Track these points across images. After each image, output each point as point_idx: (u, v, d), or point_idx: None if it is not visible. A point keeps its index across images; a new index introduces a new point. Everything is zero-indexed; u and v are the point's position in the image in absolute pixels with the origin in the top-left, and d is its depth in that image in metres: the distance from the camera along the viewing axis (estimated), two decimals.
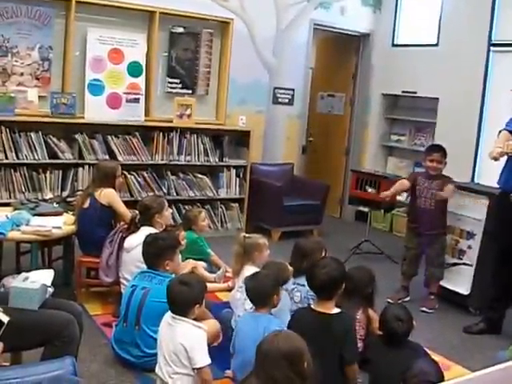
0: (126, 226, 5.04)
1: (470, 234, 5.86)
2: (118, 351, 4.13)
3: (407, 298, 5.96)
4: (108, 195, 5.20)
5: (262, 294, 3.79)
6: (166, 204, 5.18)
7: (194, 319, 3.57)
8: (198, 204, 7.39)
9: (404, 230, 6.61)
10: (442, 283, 5.96)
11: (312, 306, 3.66)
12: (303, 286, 4.26)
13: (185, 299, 3.51)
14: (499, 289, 5.28)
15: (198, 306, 3.54)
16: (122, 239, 4.91)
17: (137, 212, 5.10)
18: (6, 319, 2.74)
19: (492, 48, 7.49)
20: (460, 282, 5.88)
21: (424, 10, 8.52)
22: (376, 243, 7.48)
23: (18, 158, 6.30)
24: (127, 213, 5.18)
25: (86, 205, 5.19)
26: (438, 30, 8.18)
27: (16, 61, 6.52)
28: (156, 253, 4.24)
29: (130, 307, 4.11)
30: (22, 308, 3.11)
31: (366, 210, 8.03)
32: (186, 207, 7.22)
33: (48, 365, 2.58)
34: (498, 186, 5.30)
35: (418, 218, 5.96)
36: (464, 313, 5.77)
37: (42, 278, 3.33)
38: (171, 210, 5.40)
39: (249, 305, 4.22)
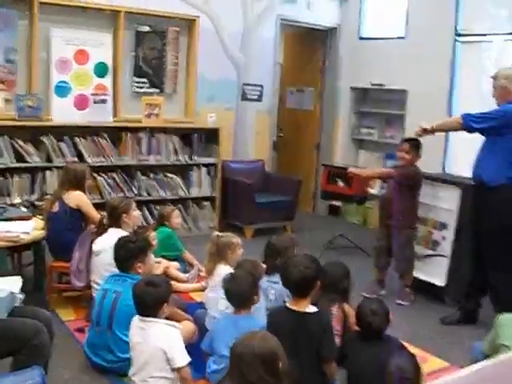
0: (95, 228, 4.98)
1: (444, 224, 5.86)
2: (91, 356, 4.07)
3: (383, 292, 5.96)
4: (77, 198, 5.14)
5: (242, 295, 3.75)
6: (134, 204, 5.12)
7: (167, 319, 3.53)
8: (170, 204, 7.31)
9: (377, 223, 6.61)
10: (417, 275, 5.95)
11: (287, 305, 3.61)
12: (277, 283, 4.23)
13: (152, 299, 3.47)
14: (475, 278, 5.29)
15: (166, 304, 3.49)
16: (92, 242, 4.84)
17: (104, 214, 5.03)
18: None
19: (458, 38, 7.54)
20: (435, 273, 5.89)
21: (390, 3, 8.53)
22: (350, 237, 7.49)
23: None
24: (97, 215, 5.12)
25: (55, 208, 5.12)
26: (405, 23, 8.19)
27: None
28: (127, 256, 4.19)
29: (101, 311, 4.05)
30: None
31: (338, 203, 8.04)
32: (158, 207, 7.14)
33: (15, 376, 2.52)
34: (470, 176, 5.31)
35: (383, 208, 6.03)
36: (440, 304, 5.77)
37: (9, 286, 3.25)
38: (140, 212, 5.31)
39: (223, 305, 4.19)
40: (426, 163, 5.99)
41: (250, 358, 2.47)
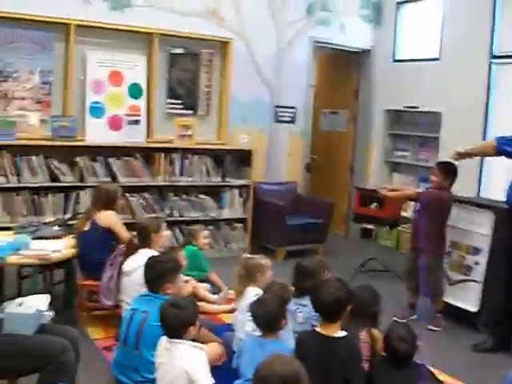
0: (125, 248, 5.00)
1: (477, 249, 5.75)
2: (117, 375, 4.06)
3: (414, 316, 5.87)
4: (108, 217, 5.18)
5: (270, 319, 3.70)
6: (164, 224, 5.13)
7: (194, 341, 3.51)
8: (202, 225, 7.31)
9: None
10: (448, 300, 5.85)
11: (317, 329, 3.57)
12: (305, 306, 4.20)
13: (178, 322, 3.44)
14: (509, 304, 5.18)
15: (192, 327, 3.47)
16: (122, 262, 4.86)
17: (134, 234, 5.05)
18: None
19: (493, 60, 7.46)
20: (468, 299, 5.77)
21: (424, 25, 8.50)
22: (382, 261, 7.41)
23: (19, 181, 6.29)
24: (127, 235, 5.14)
25: (87, 227, 5.17)
26: (439, 44, 8.14)
27: (17, 85, 6.52)
28: (156, 276, 4.14)
29: (129, 331, 4.04)
30: (16, 333, 3.07)
31: (370, 227, 7.97)
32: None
33: None
34: (505, 200, 5.24)
35: (412, 231, 6.08)
36: (473, 330, 5.64)
37: (37, 303, 3.28)
38: (170, 232, 5.32)
39: (250, 326, 4.16)
40: (461, 187, 5.92)
41: (272, 380, 2.44)
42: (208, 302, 5.51)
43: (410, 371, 3.48)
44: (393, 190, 6.52)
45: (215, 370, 3.64)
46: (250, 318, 3.90)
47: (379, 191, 6.48)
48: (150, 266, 4.19)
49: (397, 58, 8.89)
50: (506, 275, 5.22)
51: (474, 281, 5.76)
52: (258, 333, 3.84)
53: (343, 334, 3.51)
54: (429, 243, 5.68)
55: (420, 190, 6.10)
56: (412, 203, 7.43)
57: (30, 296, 3.48)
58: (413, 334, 3.60)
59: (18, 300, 3.33)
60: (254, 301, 3.92)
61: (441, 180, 5.68)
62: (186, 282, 5.34)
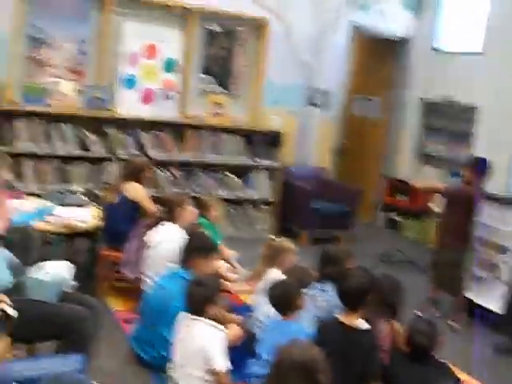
0: (150, 221, 5.00)
1: (505, 248, 5.66)
2: (135, 349, 4.08)
3: (435, 311, 5.81)
4: (135, 190, 5.18)
5: (286, 300, 3.73)
6: (189, 200, 5.11)
7: (215, 320, 3.50)
8: (227, 204, 7.32)
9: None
10: (472, 298, 5.78)
11: (339, 318, 3.54)
12: (327, 292, 4.17)
13: (197, 299, 3.44)
14: None
15: (211, 305, 3.45)
16: (144, 234, 4.86)
17: (160, 208, 5.04)
18: (15, 314, 2.71)
19: None
20: (491, 298, 5.68)
21: (468, 16, 8.34)
22: (407, 252, 7.34)
23: (49, 149, 6.31)
24: (153, 208, 5.14)
25: (113, 199, 5.17)
26: (484, 37, 7.96)
27: (51, 52, 6.53)
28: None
29: (149, 307, 4.05)
30: (38, 299, 3.08)
31: (398, 218, 7.91)
32: None
33: (56, 360, 2.53)
34: None
35: (438, 226, 6.08)
36: (494, 330, 5.56)
37: (61, 271, 3.28)
38: (194, 208, 5.26)
39: (269, 308, 4.14)
40: (492, 183, 5.83)
41: (289, 365, 2.42)
42: (228, 281, 5.50)
43: (431, 367, 3.45)
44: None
45: (232, 350, 3.63)
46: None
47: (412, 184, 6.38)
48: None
49: (436, 47, 8.73)
50: None
51: (500, 280, 5.68)
52: (277, 315, 3.84)
53: (366, 326, 3.49)
54: (453, 238, 5.62)
55: (447, 185, 6.02)
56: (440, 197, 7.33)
57: (54, 262, 3.49)
58: (435, 329, 3.58)
59: (41, 265, 3.33)
60: (271, 284, 3.92)
61: (471, 175, 5.61)
62: None
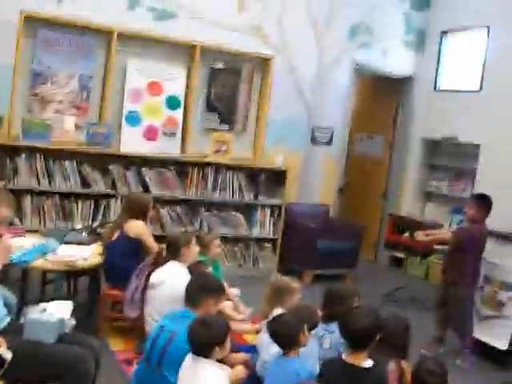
0: (153, 259, 4.93)
1: (511, 285, 5.60)
2: None
3: (441, 350, 5.72)
4: (137, 227, 5.12)
5: (287, 336, 3.63)
6: (194, 238, 5.04)
7: (220, 362, 3.41)
8: (231, 242, 7.28)
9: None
10: (478, 336, 5.71)
11: (343, 357, 3.44)
12: (333, 332, 4.08)
13: (204, 340, 3.33)
14: None
15: (219, 348, 3.36)
16: (149, 274, 4.78)
17: (164, 246, 4.97)
18: (9, 356, 2.64)
19: None
20: (498, 336, 5.63)
21: (468, 55, 8.39)
22: (411, 290, 7.25)
23: (50, 185, 6.27)
24: (156, 246, 5.07)
25: (115, 236, 5.12)
26: (481, 76, 8.02)
27: (55, 89, 6.52)
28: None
29: (153, 348, 3.94)
30: (36, 341, 2.99)
31: (401, 255, 7.84)
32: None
33: None
34: None
35: (443, 264, 6.02)
36: (501, 368, 5.51)
37: (60, 311, 3.20)
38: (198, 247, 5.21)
39: (275, 348, 4.05)
40: (497, 221, 5.77)
41: None
42: (233, 320, 5.39)
43: None
44: (427, 234, 6.33)
45: None
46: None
47: (415, 236, 6.30)
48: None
49: (438, 87, 8.76)
50: None
51: (506, 317, 5.60)
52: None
53: (370, 363, 3.38)
54: (463, 277, 5.54)
55: (453, 230, 5.94)
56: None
57: (53, 302, 3.41)
58: (443, 368, 3.47)
59: (41, 306, 3.26)
60: (271, 319, 3.86)
61: (476, 212, 5.58)
62: None
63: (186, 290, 4.15)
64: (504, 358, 5.55)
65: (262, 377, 4.05)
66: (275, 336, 3.69)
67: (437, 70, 8.80)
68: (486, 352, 5.71)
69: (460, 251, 5.55)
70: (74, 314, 3.52)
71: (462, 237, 5.62)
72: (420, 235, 6.26)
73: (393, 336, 3.89)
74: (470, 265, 5.59)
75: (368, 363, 3.38)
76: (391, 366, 3.77)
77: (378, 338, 3.50)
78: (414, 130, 9.07)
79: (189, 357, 3.41)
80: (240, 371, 3.95)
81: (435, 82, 8.81)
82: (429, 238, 6.23)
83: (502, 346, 5.56)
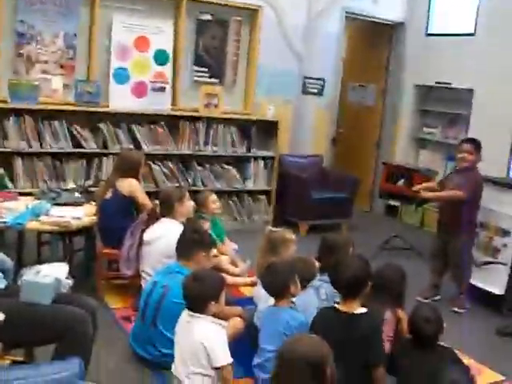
0: (147, 217, 4.91)
1: (506, 231, 5.62)
2: (135, 348, 4.01)
3: (437, 297, 5.77)
4: (130, 185, 5.08)
5: (277, 283, 3.67)
6: (187, 194, 5.02)
7: (215, 316, 3.42)
8: (225, 196, 7.25)
9: (435, 226, 6.37)
10: (474, 282, 5.75)
11: (336, 306, 3.48)
12: (328, 282, 4.09)
13: (199, 296, 3.35)
14: None
15: (213, 302, 3.37)
16: (143, 231, 4.78)
17: (157, 202, 4.95)
18: (1, 317, 2.65)
19: None
20: (493, 281, 5.68)
21: None
22: (406, 239, 7.27)
23: (41, 146, 6.20)
24: (149, 203, 5.05)
25: (108, 195, 5.09)
26: (475, 19, 7.91)
27: (40, 48, 6.40)
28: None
29: (148, 304, 3.97)
30: (33, 302, 2.99)
31: (396, 204, 7.85)
32: None
33: (53, 365, 2.45)
34: None
35: (440, 213, 5.91)
36: (497, 314, 5.57)
37: (55, 272, 3.20)
38: (193, 202, 5.19)
39: (273, 301, 4.07)
40: (490, 167, 5.75)
41: (297, 362, 2.34)
42: (230, 274, 5.42)
43: (437, 354, 3.40)
44: (430, 189, 6.06)
45: (236, 344, 3.60)
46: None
47: (419, 193, 6.04)
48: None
49: (430, 32, 8.65)
50: None
51: (501, 263, 5.64)
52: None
53: (363, 310, 3.41)
54: (462, 226, 5.53)
55: (464, 188, 5.51)
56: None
57: (48, 264, 3.41)
58: (439, 316, 3.53)
59: (36, 268, 3.25)
60: (263, 268, 3.90)
61: (475, 158, 5.51)
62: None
63: (177, 243, 4.17)
64: (499, 303, 5.59)
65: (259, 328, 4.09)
66: (266, 284, 3.73)
67: (428, 14, 8.68)
68: (481, 297, 5.75)
69: (460, 201, 5.53)
70: (70, 274, 3.52)
71: (475, 191, 5.51)
72: (423, 192, 6.00)
73: (388, 285, 3.92)
74: (468, 214, 5.58)
75: (360, 310, 3.41)
76: (387, 314, 3.80)
77: (369, 286, 3.53)
78: (407, 76, 9.00)
79: (184, 313, 3.43)
80: (237, 323, 4.00)
81: (427, 27, 8.70)
82: (433, 194, 5.94)
83: (498, 291, 5.60)
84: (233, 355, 3.35)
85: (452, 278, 5.77)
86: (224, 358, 3.27)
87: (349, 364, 3.03)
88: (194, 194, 6.33)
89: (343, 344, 3.06)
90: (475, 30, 7.91)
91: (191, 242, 4.15)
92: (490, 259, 5.74)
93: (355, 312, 3.38)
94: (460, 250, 5.60)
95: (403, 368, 3.46)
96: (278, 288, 3.67)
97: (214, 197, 5.62)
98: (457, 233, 5.57)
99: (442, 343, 3.51)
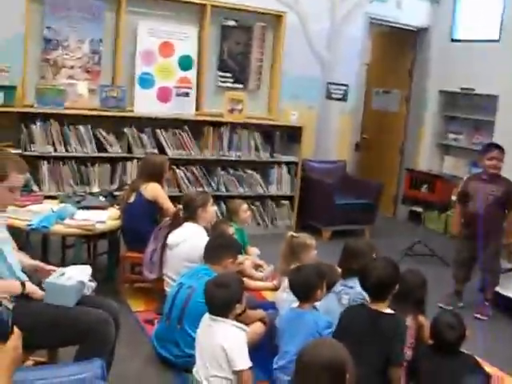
0: (170, 221, 4.95)
1: None
2: (158, 349, 4.06)
3: (460, 304, 5.72)
4: (154, 190, 5.12)
5: (305, 286, 3.72)
6: (211, 199, 5.04)
7: (238, 320, 3.45)
8: (248, 201, 7.26)
9: None
10: (497, 289, 5.69)
11: (365, 303, 3.55)
12: (352, 288, 4.09)
13: (222, 301, 3.38)
14: None
15: (238, 304, 3.41)
16: (166, 235, 4.81)
17: (180, 207, 4.98)
18: (10, 306, 2.69)
19: None
20: None
21: (485, 4, 8.22)
22: (429, 245, 7.24)
23: (66, 150, 6.28)
24: (172, 208, 5.08)
25: (132, 199, 5.13)
26: (499, 25, 7.87)
27: (66, 54, 6.50)
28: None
29: (174, 305, 4.02)
30: (57, 304, 3.03)
31: (419, 210, 7.82)
32: None
33: (75, 367, 2.48)
34: None
35: (470, 222, 5.69)
36: None
37: (79, 274, 3.23)
38: (216, 207, 5.23)
39: (295, 304, 4.09)
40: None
41: (317, 368, 2.35)
42: (253, 279, 5.44)
43: (458, 360, 3.39)
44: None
45: (257, 348, 3.62)
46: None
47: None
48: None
49: (454, 38, 8.61)
50: None
51: None
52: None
53: (391, 311, 3.45)
54: (495, 229, 5.52)
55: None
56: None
57: (72, 266, 3.45)
58: (461, 322, 3.51)
59: (60, 270, 3.29)
60: (292, 269, 3.96)
61: (501, 165, 5.48)
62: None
63: (206, 247, 4.22)
64: None
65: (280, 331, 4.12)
66: (294, 286, 3.78)
67: (453, 19, 8.64)
68: (504, 305, 5.70)
69: (501, 205, 5.50)
70: (94, 277, 3.56)
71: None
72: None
73: (409, 291, 3.91)
74: (503, 219, 5.59)
75: (388, 310, 3.45)
76: (408, 321, 3.79)
77: (396, 288, 3.54)
78: (431, 82, 8.96)
79: (206, 316, 3.45)
80: (258, 328, 4.03)
81: (451, 33, 8.67)
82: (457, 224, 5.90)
83: None
84: (253, 359, 3.36)
85: (484, 283, 5.68)
86: (243, 361, 3.29)
87: (367, 360, 3.10)
88: (226, 203, 6.43)
89: (366, 338, 3.16)
90: (500, 35, 7.86)
91: (220, 248, 4.20)
92: None
93: (383, 311, 3.43)
94: (497, 256, 5.59)
95: (424, 374, 3.45)
96: (306, 291, 3.73)
97: (245, 206, 5.72)
98: (495, 238, 5.53)
99: (464, 350, 3.49)
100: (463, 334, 3.47)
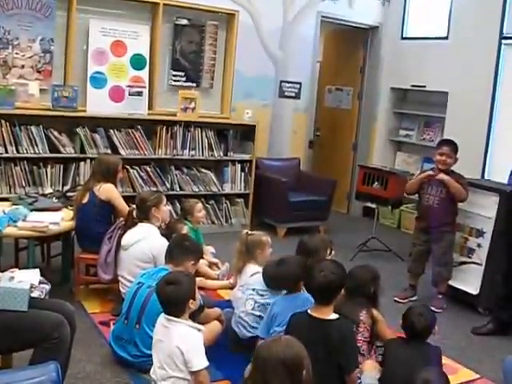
0: (124, 221, 4.92)
1: (480, 232, 5.69)
2: (115, 349, 4.02)
3: (414, 297, 5.83)
4: (107, 190, 5.08)
5: (291, 278, 3.84)
6: (164, 199, 5.03)
7: (193, 320, 3.45)
8: (203, 199, 7.26)
9: (412, 227, 6.43)
10: (450, 282, 5.81)
11: (309, 311, 3.44)
12: None
13: (178, 299, 3.36)
14: (510, 288, 5.14)
15: (191, 301, 3.39)
16: (121, 236, 4.79)
17: (134, 207, 4.96)
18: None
19: (503, 41, 7.32)
20: (469, 281, 5.75)
21: (434, 2, 8.36)
22: (383, 240, 7.34)
23: (18, 151, 6.17)
24: (126, 208, 5.05)
25: (85, 200, 5.08)
26: (448, 23, 8.02)
27: (17, 53, 6.39)
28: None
29: (133, 305, 3.98)
30: (8, 309, 2.99)
31: (373, 206, 7.92)
32: None
33: (30, 371, 2.46)
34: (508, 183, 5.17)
35: (424, 215, 5.84)
36: (473, 313, 5.63)
37: (28, 278, 3.19)
38: (170, 207, 5.22)
39: (250, 305, 4.14)
40: (465, 168, 5.82)
41: (274, 363, 2.37)
42: (208, 277, 5.46)
43: (422, 348, 3.58)
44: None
45: (211, 347, 3.61)
46: (251, 296, 3.89)
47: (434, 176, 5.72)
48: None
49: (405, 36, 8.74)
50: (506, 259, 5.18)
51: (476, 263, 5.72)
52: (257, 312, 3.85)
53: (336, 316, 3.41)
54: (448, 223, 5.66)
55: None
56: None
57: (20, 270, 3.41)
58: (432, 313, 3.78)
59: (8, 274, 3.24)
60: (272, 261, 4.08)
61: (453, 161, 5.58)
62: None
63: (169, 248, 4.20)
64: (475, 303, 5.66)
65: (238, 331, 4.15)
66: (278, 278, 3.93)
67: (403, 18, 8.76)
68: (457, 297, 5.82)
69: (452, 200, 5.60)
70: (48, 279, 3.53)
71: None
72: (441, 174, 5.64)
73: (361, 285, 3.98)
74: (455, 214, 5.71)
75: (333, 316, 3.41)
76: (362, 315, 3.85)
77: (342, 291, 3.59)
78: (383, 80, 9.08)
79: (162, 317, 3.43)
80: (215, 326, 4.05)
81: (402, 31, 8.79)
82: (449, 178, 5.62)
83: (473, 290, 5.67)
84: (210, 358, 3.36)
85: (437, 277, 5.78)
86: (200, 362, 3.28)
87: (321, 369, 3.06)
88: (181, 202, 6.41)
89: (316, 349, 3.04)
90: (448, 33, 8.00)
91: (183, 249, 4.17)
92: (465, 259, 5.81)
93: (327, 318, 3.38)
94: (449, 250, 5.70)
95: (388, 359, 3.61)
96: (292, 282, 3.84)
97: (199, 206, 5.84)
98: (447, 232, 5.65)
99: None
100: (433, 323, 3.67)
